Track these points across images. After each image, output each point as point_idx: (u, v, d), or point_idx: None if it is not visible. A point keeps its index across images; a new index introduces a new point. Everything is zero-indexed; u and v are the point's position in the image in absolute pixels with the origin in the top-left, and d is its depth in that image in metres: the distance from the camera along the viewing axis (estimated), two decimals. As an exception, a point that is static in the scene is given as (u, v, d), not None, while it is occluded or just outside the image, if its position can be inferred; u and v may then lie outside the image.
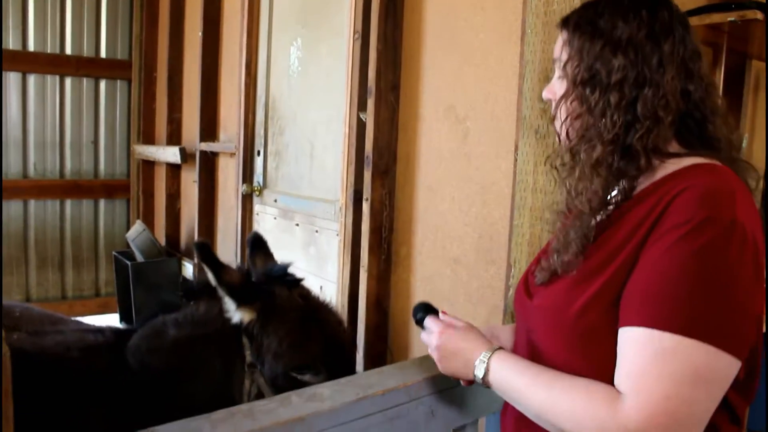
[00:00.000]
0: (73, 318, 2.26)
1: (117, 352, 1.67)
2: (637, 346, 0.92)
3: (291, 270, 1.73)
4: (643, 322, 0.92)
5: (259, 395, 1.58)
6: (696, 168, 1.02)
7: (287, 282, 1.68)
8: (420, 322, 1.38)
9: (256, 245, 1.87)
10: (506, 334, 1.40)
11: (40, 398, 1.49)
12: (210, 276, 1.58)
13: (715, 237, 0.90)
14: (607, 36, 1.06)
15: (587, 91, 1.06)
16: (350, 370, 1.66)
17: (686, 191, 0.95)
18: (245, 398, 1.60)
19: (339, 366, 1.60)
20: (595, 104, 1.05)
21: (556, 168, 1.15)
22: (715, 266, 0.90)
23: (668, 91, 1.03)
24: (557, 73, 1.15)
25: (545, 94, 1.19)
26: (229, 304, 1.60)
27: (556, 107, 1.14)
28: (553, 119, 1.18)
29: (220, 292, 1.59)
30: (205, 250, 1.58)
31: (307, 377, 1.56)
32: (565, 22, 1.13)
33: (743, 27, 1.88)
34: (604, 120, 1.04)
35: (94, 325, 1.92)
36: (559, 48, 1.14)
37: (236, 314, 1.60)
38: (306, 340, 1.60)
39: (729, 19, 1.80)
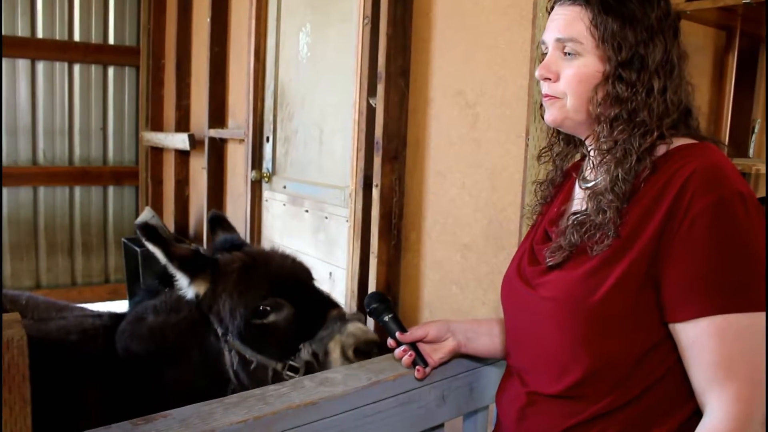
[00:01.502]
0: (80, 305, 2.30)
1: (111, 336, 1.71)
2: (718, 334, 0.97)
3: (238, 240, 1.81)
4: (715, 311, 0.97)
5: (242, 361, 1.59)
6: (688, 148, 1.06)
7: (228, 249, 1.74)
8: (373, 314, 1.38)
9: (215, 223, 1.92)
10: (461, 328, 1.38)
11: (43, 380, 1.51)
12: (159, 255, 1.58)
13: (737, 212, 0.96)
14: (641, 21, 1.05)
15: (633, 75, 1.05)
16: (315, 293, 1.69)
17: (695, 174, 0.99)
18: (230, 370, 1.62)
19: (299, 293, 1.63)
20: (642, 88, 1.05)
21: (596, 151, 1.11)
22: (748, 235, 0.97)
23: (683, 78, 1.09)
24: (566, 50, 1.09)
25: (542, 73, 1.12)
26: (182, 281, 1.62)
27: (586, 87, 1.09)
28: (550, 98, 1.13)
29: (171, 269, 1.60)
30: (150, 231, 1.57)
31: (271, 318, 1.58)
32: (587, 1, 1.08)
33: (758, 9, 1.85)
34: (650, 105, 1.05)
35: (94, 311, 1.97)
36: (574, 26, 1.08)
37: (190, 290, 1.62)
38: (251, 283, 1.61)
39: (744, 0, 1.76)
